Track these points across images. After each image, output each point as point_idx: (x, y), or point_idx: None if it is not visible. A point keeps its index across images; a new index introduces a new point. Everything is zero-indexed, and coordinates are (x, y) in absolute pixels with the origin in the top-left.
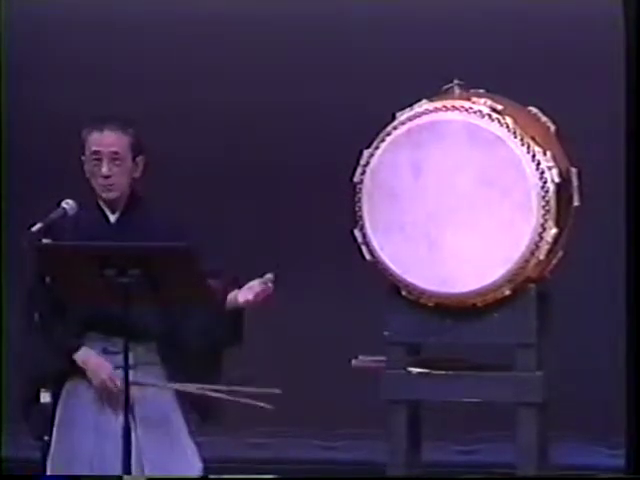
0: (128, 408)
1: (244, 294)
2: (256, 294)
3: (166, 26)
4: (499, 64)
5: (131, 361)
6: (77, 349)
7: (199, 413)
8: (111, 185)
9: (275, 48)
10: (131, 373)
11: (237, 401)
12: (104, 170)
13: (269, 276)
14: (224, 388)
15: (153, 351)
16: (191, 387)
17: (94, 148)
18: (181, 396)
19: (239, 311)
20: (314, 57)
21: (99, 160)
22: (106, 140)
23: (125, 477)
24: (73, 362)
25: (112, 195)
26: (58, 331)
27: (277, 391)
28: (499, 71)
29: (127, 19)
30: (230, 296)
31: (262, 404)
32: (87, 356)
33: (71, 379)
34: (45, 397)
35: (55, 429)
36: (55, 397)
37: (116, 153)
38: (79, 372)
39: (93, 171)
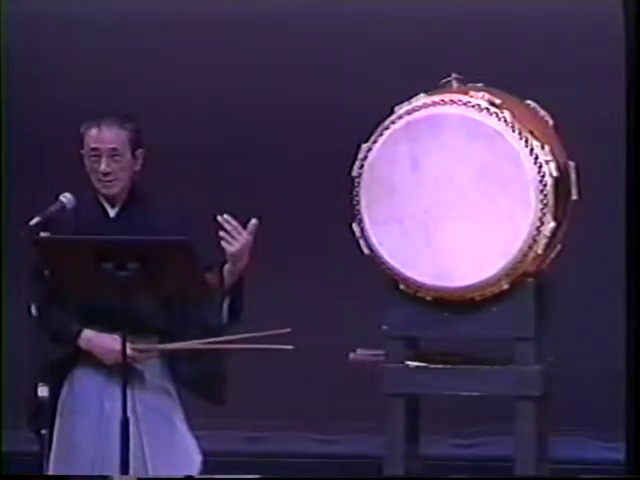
0: (126, 401)
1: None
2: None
3: (166, 23)
4: (499, 62)
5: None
6: (79, 334)
7: (204, 397)
8: (110, 181)
9: (275, 44)
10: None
11: (252, 348)
12: (103, 167)
13: (253, 221)
14: (232, 337)
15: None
16: (198, 343)
17: (92, 145)
18: (182, 387)
19: (238, 290)
20: (313, 52)
21: (98, 157)
22: (104, 137)
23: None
24: (78, 349)
25: (112, 191)
26: (57, 324)
27: (287, 330)
28: (499, 68)
29: (126, 17)
30: (224, 270)
31: (281, 346)
32: (90, 336)
33: (73, 371)
34: (43, 391)
35: (57, 421)
36: (56, 390)
37: (114, 149)
38: (85, 358)
39: (92, 167)
